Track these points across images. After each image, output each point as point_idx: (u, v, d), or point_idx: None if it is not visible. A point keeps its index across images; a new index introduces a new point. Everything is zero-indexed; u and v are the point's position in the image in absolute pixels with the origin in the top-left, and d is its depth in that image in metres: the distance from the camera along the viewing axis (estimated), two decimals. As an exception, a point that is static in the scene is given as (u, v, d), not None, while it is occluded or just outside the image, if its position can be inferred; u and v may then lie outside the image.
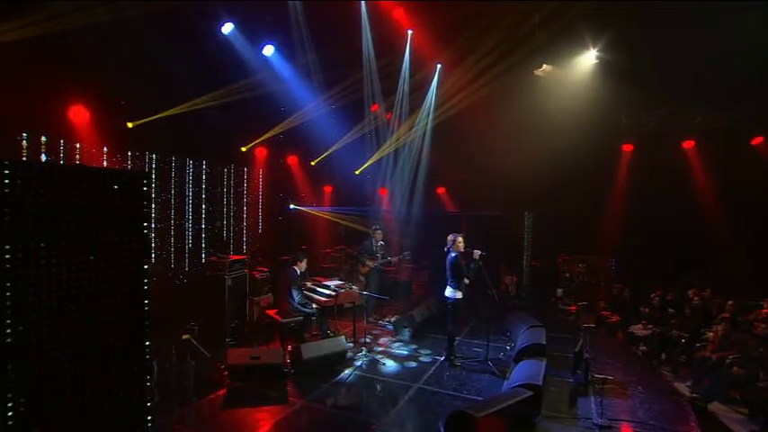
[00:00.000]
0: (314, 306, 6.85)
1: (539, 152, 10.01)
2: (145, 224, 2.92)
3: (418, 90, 10.79)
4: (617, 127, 10.52)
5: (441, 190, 13.26)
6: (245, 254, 9.69)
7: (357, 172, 12.12)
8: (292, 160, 10.97)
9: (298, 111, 9.51)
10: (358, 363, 6.32)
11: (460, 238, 6.25)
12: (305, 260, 6.98)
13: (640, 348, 7.21)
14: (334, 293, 7.05)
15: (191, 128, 7.75)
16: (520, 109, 10.26)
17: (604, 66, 9.31)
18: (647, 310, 7.81)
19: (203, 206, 8.92)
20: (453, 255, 6.23)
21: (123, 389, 2.76)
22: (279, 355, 5.91)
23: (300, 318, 6.65)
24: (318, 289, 7.38)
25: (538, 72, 9.79)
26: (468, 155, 11.41)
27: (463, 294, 6.26)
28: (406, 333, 7.48)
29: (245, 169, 9.91)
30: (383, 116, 11.45)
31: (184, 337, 6.08)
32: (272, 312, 6.86)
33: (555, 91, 9.89)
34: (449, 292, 6.30)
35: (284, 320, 6.57)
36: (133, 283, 2.85)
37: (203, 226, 8.90)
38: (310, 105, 9.54)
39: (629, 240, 10.04)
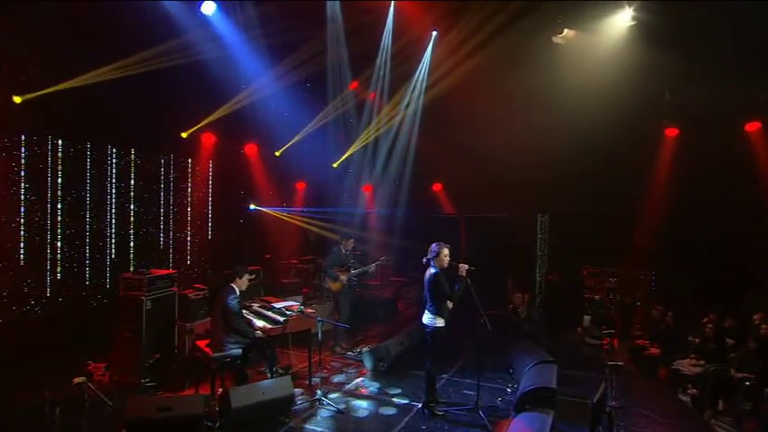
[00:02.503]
0: (258, 334, 6.20)
1: (557, 138, 9.73)
2: None
3: (407, 62, 10.34)
4: (658, 106, 10.15)
5: (437, 187, 13.10)
6: (187, 266, 9.15)
7: (335, 165, 11.60)
8: (251, 149, 10.49)
9: (252, 86, 9.00)
10: (308, 412, 5.81)
11: (446, 251, 5.66)
12: (246, 275, 6.38)
13: (688, 392, 6.69)
14: (282, 319, 6.44)
15: (111, 105, 7.17)
16: (534, 85, 9.93)
17: (643, 29, 8.82)
18: (697, 340, 7.36)
19: (131, 207, 8.31)
20: (433, 271, 5.62)
21: None
22: (199, 404, 5.22)
23: (239, 350, 5.99)
24: (266, 313, 6.79)
25: (557, 38, 9.37)
26: (469, 143, 11.06)
27: (446, 321, 5.68)
28: (379, 369, 7.03)
29: (189, 160, 9.41)
30: (365, 95, 10.91)
31: (77, 380, 5.55)
32: (202, 344, 6.23)
33: (579, 62, 9.47)
34: (427, 318, 5.71)
35: (216, 355, 5.91)
36: None
37: (131, 232, 8.24)
38: (268, 79, 9.04)
39: (674, 248, 9.62)
